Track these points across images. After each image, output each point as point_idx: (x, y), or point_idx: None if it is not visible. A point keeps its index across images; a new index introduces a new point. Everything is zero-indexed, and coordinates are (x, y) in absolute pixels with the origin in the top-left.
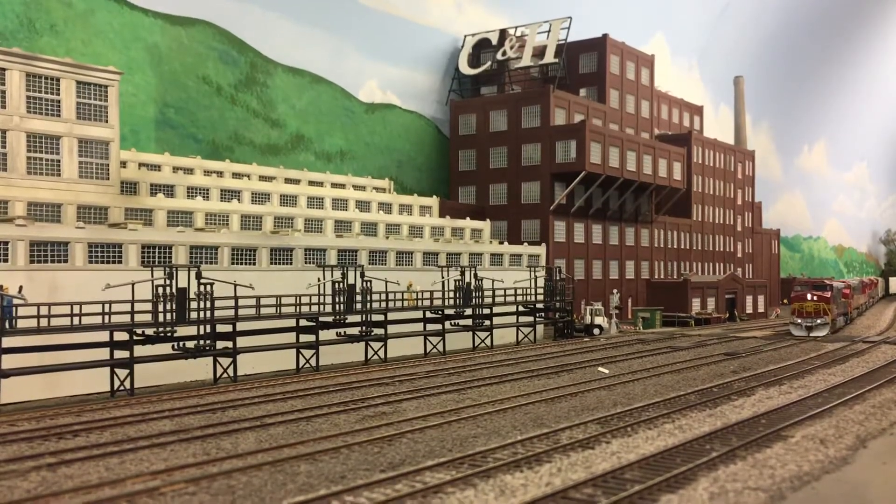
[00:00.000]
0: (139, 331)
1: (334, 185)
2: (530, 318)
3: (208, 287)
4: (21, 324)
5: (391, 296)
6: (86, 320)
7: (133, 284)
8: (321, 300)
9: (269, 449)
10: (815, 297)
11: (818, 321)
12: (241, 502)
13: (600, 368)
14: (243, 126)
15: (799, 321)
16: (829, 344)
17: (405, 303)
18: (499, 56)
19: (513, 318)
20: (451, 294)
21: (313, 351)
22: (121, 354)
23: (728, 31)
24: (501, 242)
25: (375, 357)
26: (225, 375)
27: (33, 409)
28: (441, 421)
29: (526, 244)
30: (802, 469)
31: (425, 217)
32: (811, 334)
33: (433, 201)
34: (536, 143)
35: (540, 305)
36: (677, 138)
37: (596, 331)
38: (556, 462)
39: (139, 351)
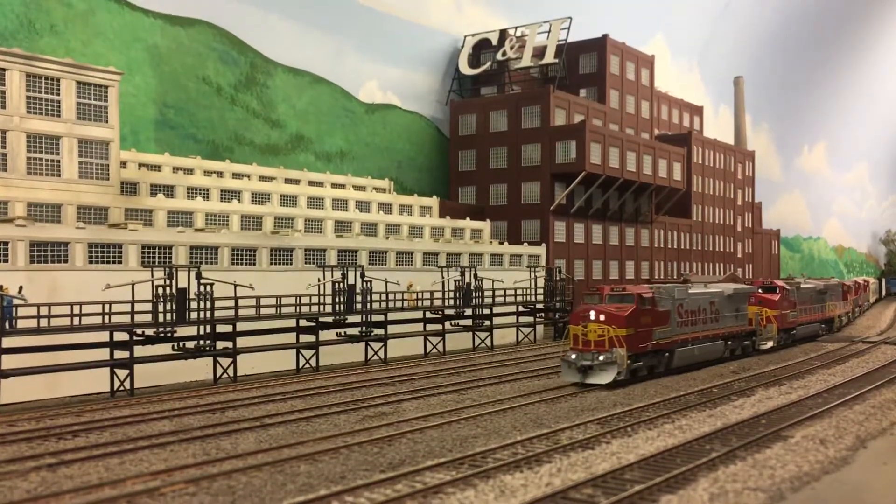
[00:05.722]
0: (139, 331)
1: (334, 186)
2: (530, 319)
3: (208, 287)
4: (21, 324)
5: (391, 296)
6: (86, 320)
7: (133, 285)
8: (321, 300)
9: (268, 449)
10: (600, 318)
11: (600, 358)
12: (241, 503)
13: None
14: (243, 126)
15: (573, 357)
16: (828, 344)
17: (405, 303)
18: (499, 56)
19: (513, 319)
20: (451, 294)
21: (313, 351)
22: (121, 355)
23: (728, 31)
24: (501, 243)
25: (375, 357)
26: (225, 376)
27: (33, 409)
28: (441, 421)
29: (526, 244)
30: (802, 469)
31: (425, 217)
32: (588, 381)
33: (433, 201)
34: (536, 143)
35: (540, 306)
36: (677, 139)
37: None
38: (556, 462)
39: (139, 351)
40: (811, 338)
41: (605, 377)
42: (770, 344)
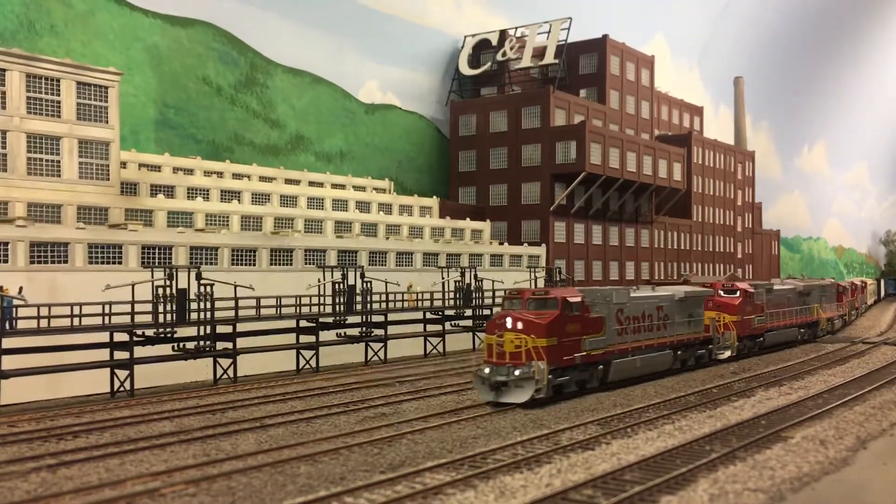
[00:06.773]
0: (139, 332)
1: (334, 186)
2: None
3: (208, 288)
4: (21, 325)
5: (391, 297)
6: (86, 321)
7: (133, 285)
8: (321, 301)
9: (268, 450)
10: (517, 326)
11: (516, 373)
12: (240, 503)
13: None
14: (243, 126)
15: (486, 371)
16: (828, 345)
17: (405, 304)
18: (499, 57)
19: None
20: (452, 295)
21: (313, 352)
22: (121, 355)
23: (728, 31)
24: (501, 243)
25: (375, 358)
26: (225, 376)
27: (34, 410)
28: (441, 422)
29: (526, 245)
30: (802, 470)
31: (425, 218)
32: (501, 399)
33: (433, 202)
34: (536, 143)
35: None
36: (677, 139)
37: None
38: (556, 463)
39: (139, 352)
40: (787, 345)
41: (521, 395)
42: (728, 353)
